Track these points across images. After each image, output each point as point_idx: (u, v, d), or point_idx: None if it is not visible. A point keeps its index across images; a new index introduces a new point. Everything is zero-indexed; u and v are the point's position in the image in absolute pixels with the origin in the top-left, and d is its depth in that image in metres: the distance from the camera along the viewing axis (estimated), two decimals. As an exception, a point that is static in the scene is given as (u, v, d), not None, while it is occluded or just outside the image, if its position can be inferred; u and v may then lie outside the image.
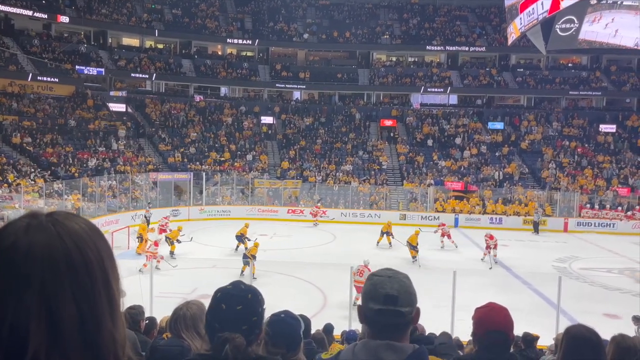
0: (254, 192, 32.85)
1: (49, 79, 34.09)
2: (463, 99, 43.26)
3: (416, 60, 45.02)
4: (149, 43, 42.50)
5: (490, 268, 19.24)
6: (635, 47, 20.10)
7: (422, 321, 1.84)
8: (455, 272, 11.07)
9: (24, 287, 0.81)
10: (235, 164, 34.53)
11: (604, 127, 38.06)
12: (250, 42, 43.29)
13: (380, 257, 19.99)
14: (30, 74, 33.17)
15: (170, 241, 19.89)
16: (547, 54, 33.98)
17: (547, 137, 38.06)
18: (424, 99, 42.67)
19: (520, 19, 20.51)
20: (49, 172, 27.66)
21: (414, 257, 20.09)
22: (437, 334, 7.20)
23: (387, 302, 1.54)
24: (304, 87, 42.68)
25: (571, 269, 20.10)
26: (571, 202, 31.45)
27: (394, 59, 44.99)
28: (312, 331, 6.40)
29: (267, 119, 39.44)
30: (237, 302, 1.71)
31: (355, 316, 11.62)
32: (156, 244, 18.44)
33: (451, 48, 43.29)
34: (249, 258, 16.70)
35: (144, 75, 39.53)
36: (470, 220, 30.11)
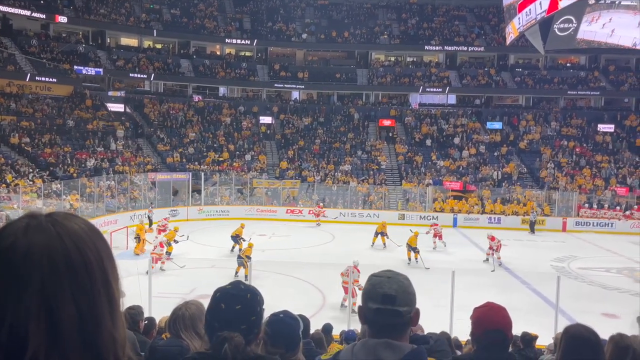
0: (253, 192, 32.84)
1: (47, 79, 34.05)
2: (462, 98, 43.28)
3: (415, 60, 45.04)
4: (147, 43, 42.47)
5: (493, 270, 19.07)
6: (634, 46, 20.11)
7: (420, 321, 1.84)
8: (454, 272, 11.08)
9: (24, 288, 0.81)
10: (234, 164, 34.52)
11: (603, 127, 38.10)
12: (248, 42, 43.28)
13: (375, 258, 20.01)
14: (29, 74, 33.14)
15: (166, 242, 19.86)
16: (546, 53, 34.03)
17: (545, 136, 38.11)
18: (423, 98, 42.69)
19: (519, 18, 20.52)
20: (48, 172, 27.63)
21: (410, 258, 19.88)
22: (437, 333, 7.19)
23: (385, 302, 1.56)
24: (303, 87, 42.68)
25: (570, 268, 20.12)
26: (570, 201, 31.49)
27: (392, 59, 45.01)
28: (311, 331, 6.40)
29: (266, 119, 39.43)
30: (236, 301, 1.72)
31: (355, 317, 11.65)
32: (161, 245, 18.42)
33: (450, 48, 43.32)
34: (243, 259, 16.72)
35: (142, 76, 39.51)
36: (468, 220, 30.15)
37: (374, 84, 42.49)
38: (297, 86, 42.58)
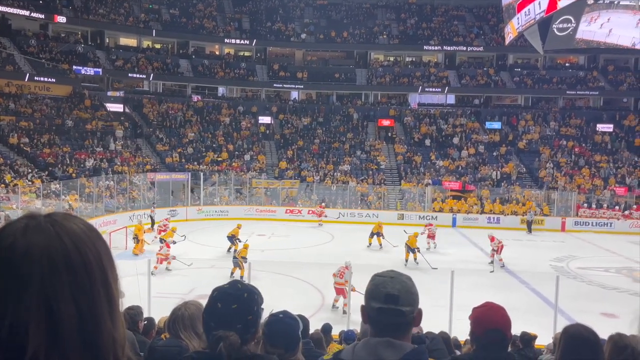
0: (252, 192, 32.83)
1: (46, 79, 34.00)
2: (461, 98, 43.28)
3: (414, 60, 45.03)
4: (146, 43, 42.45)
5: (492, 271, 19.03)
6: (633, 46, 20.13)
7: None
8: (453, 272, 11.08)
9: (23, 288, 0.81)
10: (233, 164, 34.51)
11: (601, 127, 38.12)
12: (247, 42, 43.27)
13: (371, 259, 20.02)
14: (28, 74, 33.10)
15: (172, 241, 19.82)
16: (545, 53, 34.05)
17: (544, 136, 38.13)
18: (422, 98, 42.70)
19: (518, 18, 20.53)
20: (47, 172, 27.61)
21: (407, 260, 19.74)
22: (435, 333, 7.20)
23: (388, 301, 1.57)
24: (302, 87, 42.67)
25: (569, 268, 20.13)
26: (569, 201, 31.51)
27: (391, 58, 45.01)
28: (311, 331, 6.40)
29: (265, 119, 39.41)
30: (233, 301, 1.72)
31: (352, 317, 11.63)
32: (168, 245, 18.37)
33: (449, 48, 43.33)
34: (238, 260, 16.70)
35: (141, 76, 39.49)
36: (468, 219, 30.16)
37: (373, 84, 42.49)
38: (296, 86, 42.57)
